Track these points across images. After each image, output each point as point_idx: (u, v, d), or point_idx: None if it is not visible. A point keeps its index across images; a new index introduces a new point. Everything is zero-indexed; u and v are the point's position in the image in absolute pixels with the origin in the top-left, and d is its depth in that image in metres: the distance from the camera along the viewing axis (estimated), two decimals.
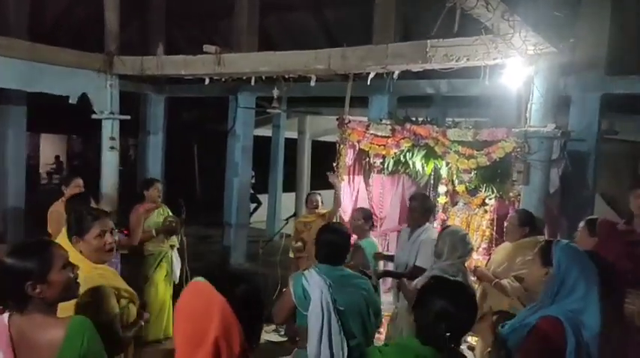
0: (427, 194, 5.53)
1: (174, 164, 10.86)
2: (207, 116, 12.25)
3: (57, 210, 4.86)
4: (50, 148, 20.39)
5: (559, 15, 3.51)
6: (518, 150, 4.53)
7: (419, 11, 6.97)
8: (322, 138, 13.31)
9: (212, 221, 10.50)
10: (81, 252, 2.56)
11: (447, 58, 4.51)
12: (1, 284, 1.92)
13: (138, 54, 6.69)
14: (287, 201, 11.86)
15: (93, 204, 4.18)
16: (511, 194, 4.85)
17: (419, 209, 4.45)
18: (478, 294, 4.13)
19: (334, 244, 3.13)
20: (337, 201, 5.68)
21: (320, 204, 6.08)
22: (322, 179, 6.00)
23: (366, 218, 4.94)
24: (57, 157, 20.32)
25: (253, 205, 11.52)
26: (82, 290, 2.13)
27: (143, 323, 2.72)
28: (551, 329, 2.22)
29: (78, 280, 2.05)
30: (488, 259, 4.66)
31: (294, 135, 12.74)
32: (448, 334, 1.98)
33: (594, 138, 6.00)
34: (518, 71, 4.36)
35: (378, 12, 6.04)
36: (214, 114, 11.17)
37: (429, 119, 5.74)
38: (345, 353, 2.93)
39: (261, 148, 10.47)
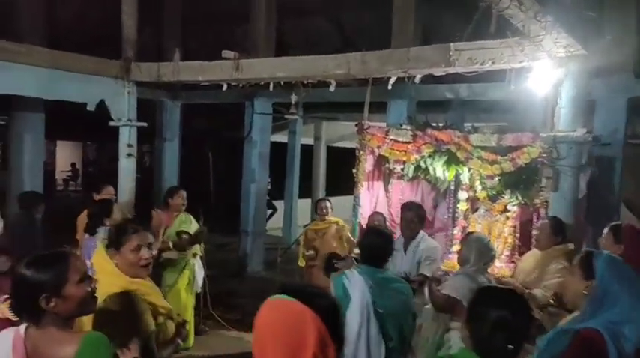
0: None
1: (189, 171, 10.81)
2: (222, 122, 12.20)
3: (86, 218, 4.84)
4: (66, 155, 20.55)
5: (592, 15, 3.40)
6: (545, 155, 4.41)
7: (437, 15, 6.87)
8: (338, 144, 13.25)
9: (228, 228, 10.43)
10: (117, 264, 2.48)
11: (472, 61, 4.43)
12: (15, 296, 1.87)
13: (152, 60, 6.66)
14: (303, 208, 11.79)
15: (117, 212, 4.13)
16: (537, 200, 4.72)
17: (415, 219, 4.47)
18: None
19: (378, 247, 3.17)
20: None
21: (330, 210, 6.04)
22: (338, 185, 5.95)
23: (385, 221, 5.20)
24: (73, 164, 20.46)
25: (269, 212, 11.47)
26: (116, 305, 2.04)
27: (181, 343, 2.62)
28: (594, 339, 2.16)
29: (96, 294, 1.97)
30: (515, 268, 4.53)
31: (309, 141, 12.70)
32: (511, 346, 1.87)
33: (620, 142, 5.82)
34: (545, 74, 4.24)
35: (396, 16, 5.96)
36: (230, 121, 11.13)
37: (449, 124, 5.64)
38: (383, 354, 2.95)
39: (277, 154, 10.42)
